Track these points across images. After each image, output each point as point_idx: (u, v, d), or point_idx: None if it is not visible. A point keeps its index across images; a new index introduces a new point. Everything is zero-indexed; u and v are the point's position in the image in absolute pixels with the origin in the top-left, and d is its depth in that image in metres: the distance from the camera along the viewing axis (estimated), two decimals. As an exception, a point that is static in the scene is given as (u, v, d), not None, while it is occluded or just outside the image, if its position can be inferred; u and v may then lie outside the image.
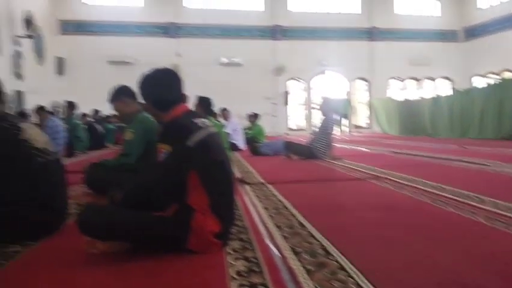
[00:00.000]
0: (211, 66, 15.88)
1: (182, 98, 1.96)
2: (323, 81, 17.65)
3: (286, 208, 2.65)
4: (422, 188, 3.26)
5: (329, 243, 1.86)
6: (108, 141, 10.02)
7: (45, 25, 13.38)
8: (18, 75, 10.73)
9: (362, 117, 18.57)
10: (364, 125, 18.40)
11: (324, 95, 9.70)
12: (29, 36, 11.22)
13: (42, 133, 2.22)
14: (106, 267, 1.66)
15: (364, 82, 18.21)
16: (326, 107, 6.19)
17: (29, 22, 11.09)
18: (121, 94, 3.15)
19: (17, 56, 10.73)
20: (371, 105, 17.58)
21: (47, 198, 2.04)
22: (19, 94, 10.54)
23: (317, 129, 6.12)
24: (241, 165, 5.45)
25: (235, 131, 8.31)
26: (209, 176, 1.78)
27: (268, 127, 12.41)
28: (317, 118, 15.43)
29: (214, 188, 1.79)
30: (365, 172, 4.35)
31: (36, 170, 2.01)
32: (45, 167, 2.05)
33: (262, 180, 3.92)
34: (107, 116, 11.13)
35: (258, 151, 6.98)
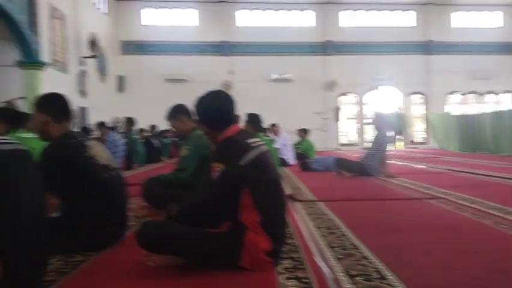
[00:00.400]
0: (262, 82, 16.10)
1: (235, 119, 2.02)
2: (376, 96, 17.27)
3: (338, 227, 2.61)
4: (484, 209, 3.07)
5: (383, 266, 1.81)
6: (164, 154, 10.42)
7: (108, 46, 14.31)
8: (83, 93, 11.52)
9: (418, 132, 17.87)
10: (420, 141, 17.67)
11: (377, 110, 9.46)
12: (93, 57, 12.05)
13: (105, 150, 2.37)
14: (161, 280, 1.72)
15: (420, 96, 17.57)
16: (380, 122, 6.04)
17: (93, 43, 11.94)
18: (177, 112, 3.29)
19: (82, 74, 11.54)
20: (427, 120, 16.88)
21: (109, 212, 2.17)
22: (83, 110, 11.29)
23: (370, 145, 5.98)
24: (291, 181, 5.44)
25: (284, 146, 8.32)
26: (261, 194, 1.81)
27: (318, 142, 12.31)
28: (370, 133, 15.11)
29: (266, 206, 1.81)
30: (421, 191, 4.17)
31: (100, 185, 2.14)
32: (107, 182, 2.18)
33: (313, 198, 3.89)
34: (163, 131, 11.59)
35: (308, 167, 6.93)
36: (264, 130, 9.41)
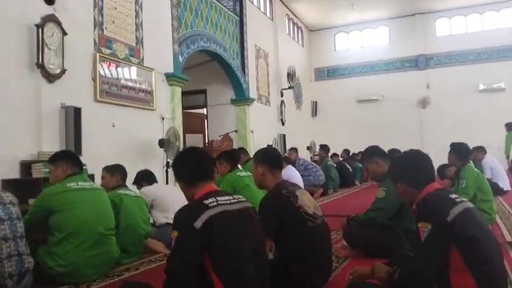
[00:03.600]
0: (465, 94, 14.39)
1: (433, 178, 1.98)
2: None
3: None
4: None
5: None
6: (357, 178, 10.50)
7: (303, 75, 15.37)
8: (281, 121, 12.66)
9: None
10: None
11: None
12: (290, 87, 13.13)
13: (312, 199, 2.62)
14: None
15: None
16: None
17: (290, 75, 13.00)
18: (373, 155, 3.34)
19: (281, 104, 12.71)
20: None
21: (315, 259, 2.37)
22: (282, 137, 12.38)
23: None
24: (507, 217, 4.69)
25: (494, 169, 7.22)
26: (472, 253, 1.69)
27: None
28: None
29: (481, 268, 1.68)
30: None
31: (308, 234, 2.38)
32: (314, 231, 2.41)
33: (539, 247, 3.29)
34: (355, 154, 11.68)
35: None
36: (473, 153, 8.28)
